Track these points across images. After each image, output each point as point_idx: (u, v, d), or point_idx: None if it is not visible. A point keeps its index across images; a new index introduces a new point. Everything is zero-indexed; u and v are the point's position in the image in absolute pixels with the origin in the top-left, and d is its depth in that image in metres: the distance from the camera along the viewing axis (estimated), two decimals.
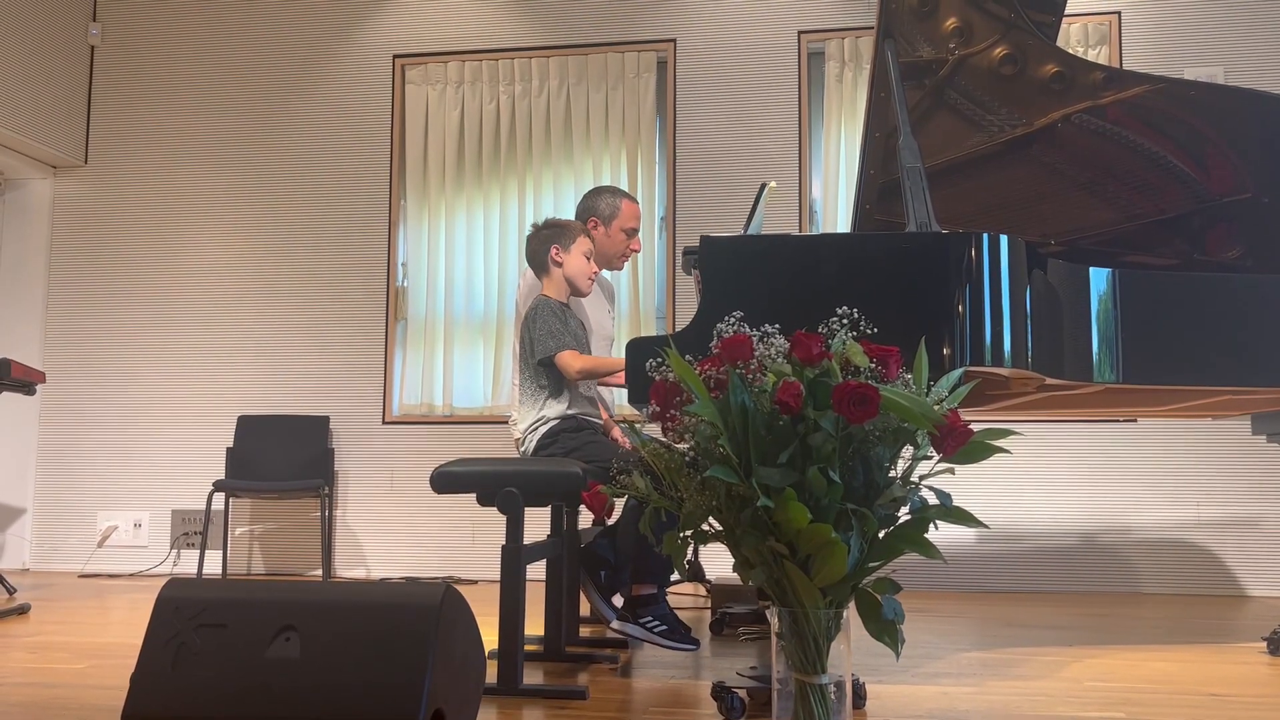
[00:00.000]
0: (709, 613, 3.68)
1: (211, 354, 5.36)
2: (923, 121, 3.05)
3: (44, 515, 5.36)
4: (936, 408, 1.52)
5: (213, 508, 4.79)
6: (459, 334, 5.21)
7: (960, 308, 2.34)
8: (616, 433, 3.20)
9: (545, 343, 2.96)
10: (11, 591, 4.15)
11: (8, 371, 3.84)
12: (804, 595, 1.53)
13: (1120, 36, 4.86)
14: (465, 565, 5.01)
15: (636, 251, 3.60)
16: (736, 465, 1.54)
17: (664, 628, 2.87)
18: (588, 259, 3.11)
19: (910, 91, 2.97)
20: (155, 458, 5.32)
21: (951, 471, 1.55)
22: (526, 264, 3.24)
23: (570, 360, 2.95)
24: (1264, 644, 3.06)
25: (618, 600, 3.20)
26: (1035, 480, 4.69)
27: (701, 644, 3.06)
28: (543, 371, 3.00)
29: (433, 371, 5.19)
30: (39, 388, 4.77)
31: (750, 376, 1.57)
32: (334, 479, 5.13)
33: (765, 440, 1.54)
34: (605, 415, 3.29)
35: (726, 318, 1.67)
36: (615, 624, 2.93)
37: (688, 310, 4.91)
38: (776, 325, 1.64)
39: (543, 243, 3.11)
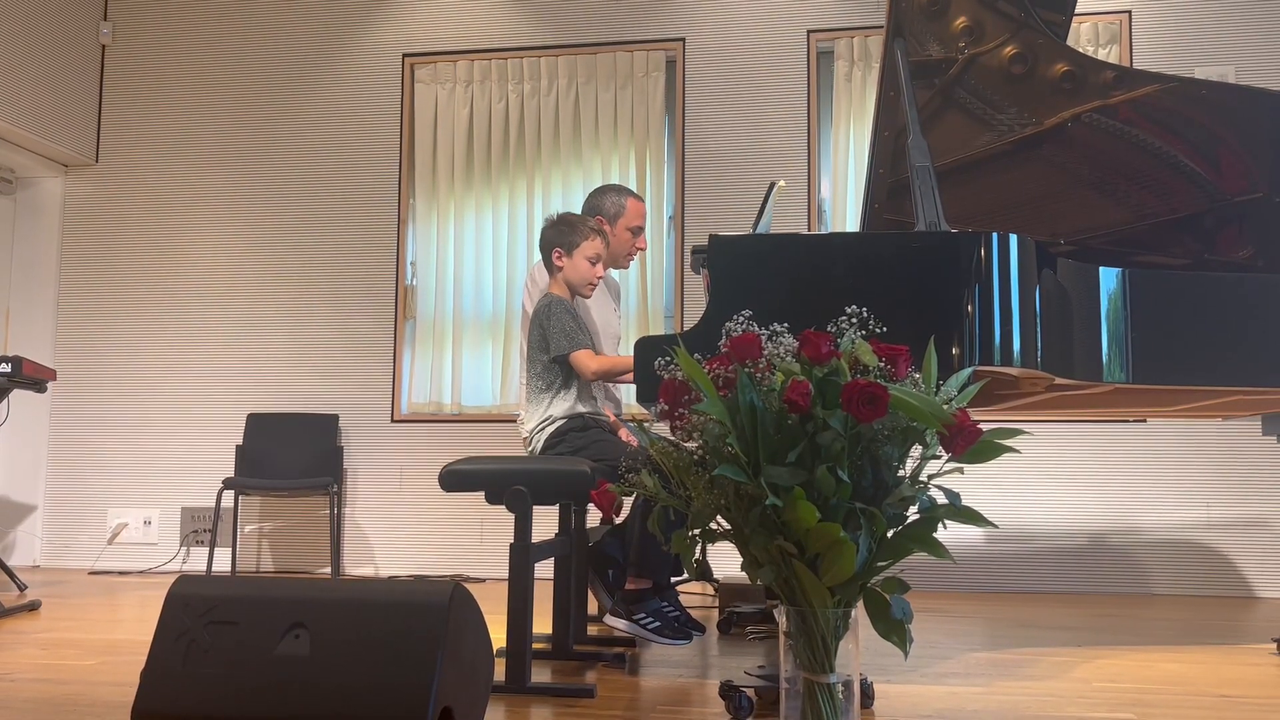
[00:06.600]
0: (717, 611, 3.68)
1: (221, 352, 5.38)
2: (932, 120, 3.04)
3: (55, 512, 5.38)
4: (945, 407, 1.52)
5: (222, 505, 4.81)
6: (468, 333, 5.22)
7: (969, 307, 2.33)
8: (624, 433, 3.19)
9: (560, 341, 2.95)
10: (22, 588, 4.17)
11: (19, 369, 3.86)
12: (812, 594, 1.53)
13: (1131, 35, 4.84)
14: (474, 563, 5.02)
15: (642, 250, 3.60)
16: (745, 464, 1.54)
17: (656, 624, 2.88)
18: (593, 263, 3.06)
19: (920, 90, 2.96)
20: (165, 455, 5.34)
21: (960, 471, 1.55)
22: (534, 261, 3.23)
23: (586, 361, 2.95)
24: (1274, 645, 3.05)
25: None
26: (1044, 480, 4.68)
27: (709, 643, 3.06)
28: (552, 368, 3.00)
29: (441, 370, 5.20)
30: (50, 385, 4.80)
31: (759, 375, 1.57)
32: (343, 477, 5.15)
33: (774, 439, 1.54)
34: (612, 415, 3.29)
35: (735, 316, 1.67)
36: (608, 619, 2.94)
37: (696, 309, 4.91)
38: (785, 324, 1.64)
39: (548, 242, 3.09)
